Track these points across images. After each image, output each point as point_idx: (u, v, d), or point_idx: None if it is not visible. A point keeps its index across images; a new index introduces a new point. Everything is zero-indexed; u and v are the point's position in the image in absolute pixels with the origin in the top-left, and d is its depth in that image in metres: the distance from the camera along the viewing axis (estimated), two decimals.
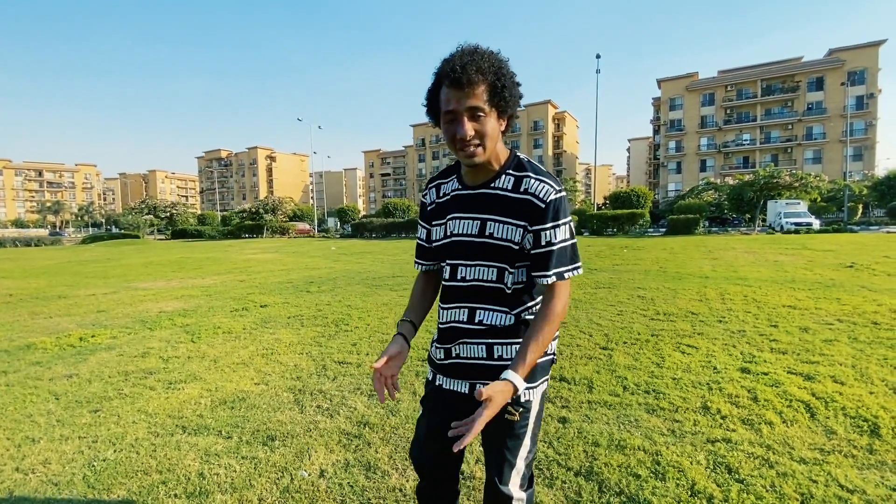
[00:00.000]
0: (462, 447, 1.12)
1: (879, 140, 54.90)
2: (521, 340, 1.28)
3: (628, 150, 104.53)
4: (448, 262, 1.36)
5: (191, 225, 54.47)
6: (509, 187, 1.27)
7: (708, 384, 3.31)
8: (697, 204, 35.68)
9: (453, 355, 1.37)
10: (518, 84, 1.25)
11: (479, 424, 1.10)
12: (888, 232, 24.82)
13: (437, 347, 1.43)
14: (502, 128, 1.26)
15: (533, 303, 1.33)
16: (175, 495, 2.15)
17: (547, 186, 1.24)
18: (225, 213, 67.10)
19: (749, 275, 8.88)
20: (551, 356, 1.37)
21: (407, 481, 2.21)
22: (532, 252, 1.26)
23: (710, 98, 62.50)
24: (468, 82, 1.14)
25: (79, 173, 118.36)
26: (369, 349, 4.43)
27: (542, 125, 76.93)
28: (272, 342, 4.82)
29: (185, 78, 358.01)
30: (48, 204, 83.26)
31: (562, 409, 2.97)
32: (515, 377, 1.17)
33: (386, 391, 1.35)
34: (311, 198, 78.69)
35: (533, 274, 1.28)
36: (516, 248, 1.26)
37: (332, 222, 57.62)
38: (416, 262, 1.54)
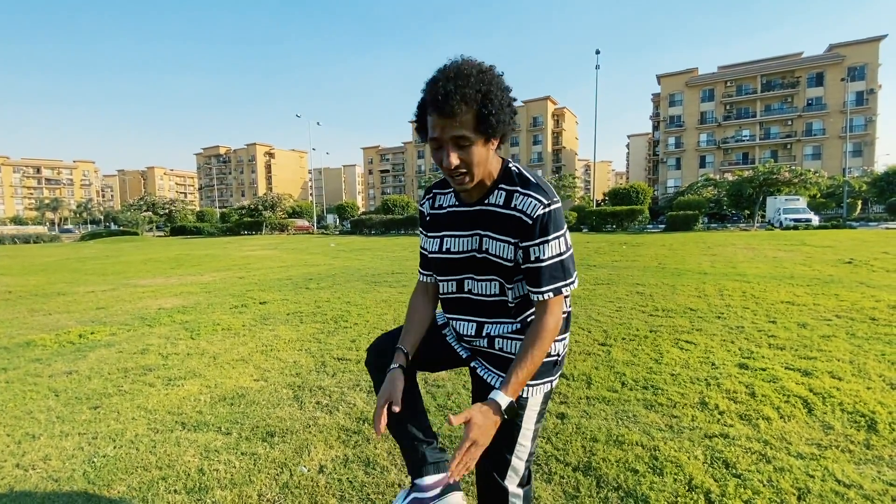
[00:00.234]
0: (459, 475, 1.14)
1: (879, 136, 54.85)
2: (523, 338, 1.31)
3: (628, 146, 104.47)
4: (453, 277, 1.37)
5: (190, 222, 54.46)
6: (501, 203, 1.25)
7: (706, 380, 3.32)
8: (696, 200, 35.69)
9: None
10: (511, 102, 1.18)
11: (461, 453, 1.13)
12: (887, 228, 24.86)
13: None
14: (494, 147, 1.21)
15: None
16: (175, 491, 2.16)
17: (534, 202, 1.20)
18: (224, 209, 67.04)
19: (748, 271, 8.89)
20: (554, 358, 1.35)
21: (405, 478, 2.22)
22: (523, 267, 1.25)
23: (709, 94, 62.45)
24: (451, 113, 1.08)
25: (77, 170, 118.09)
26: (368, 345, 4.44)
27: (542, 121, 76.85)
28: (271, 339, 4.82)
29: (184, 74, 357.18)
30: (46, 201, 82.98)
31: (560, 405, 2.98)
32: (501, 397, 1.19)
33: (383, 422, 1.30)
34: (310, 194, 78.61)
35: (527, 289, 1.28)
36: (510, 264, 1.26)
37: (331, 219, 57.56)
38: (420, 272, 1.53)
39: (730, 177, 38.74)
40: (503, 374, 1.33)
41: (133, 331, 5.38)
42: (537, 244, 1.20)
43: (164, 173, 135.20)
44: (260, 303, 6.92)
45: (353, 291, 7.73)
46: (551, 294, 1.23)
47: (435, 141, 1.15)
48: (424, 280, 1.50)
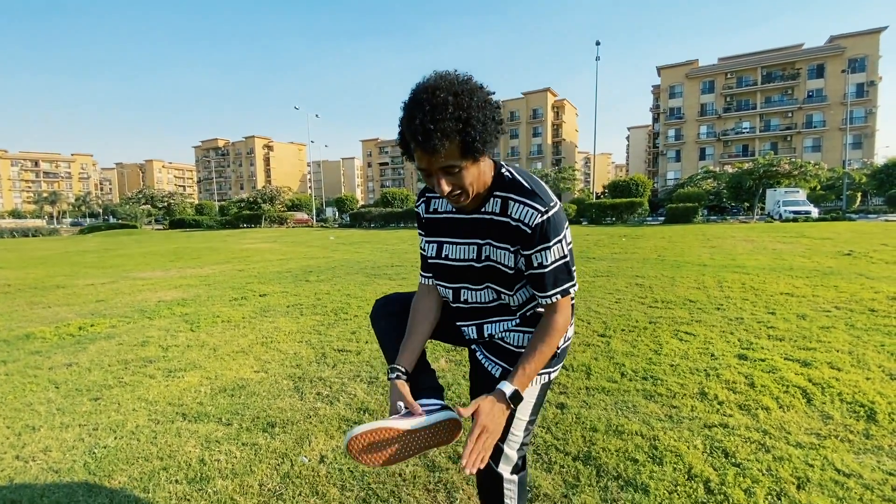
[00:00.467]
0: (474, 467, 1.13)
1: (879, 128, 54.69)
2: (522, 329, 1.33)
3: (627, 138, 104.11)
4: (450, 285, 1.36)
5: (189, 215, 54.33)
6: (497, 210, 1.23)
7: (705, 370, 3.33)
8: (696, 192, 35.66)
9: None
10: (495, 115, 1.12)
11: (472, 441, 1.14)
12: (886, 220, 24.85)
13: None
14: (484, 160, 1.18)
15: (536, 302, 1.34)
16: (176, 481, 2.17)
17: (531, 211, 1.17)
18: (223, 202, 66.83)
19: (747, 263, 8.89)
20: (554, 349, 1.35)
21: (406, 467, 2.23)
22: (527, 274, 1.25)
23: (709, 86, 62.12)
24: (434, 150, 1.05)
25: (75, 163, 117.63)
26: (369, 337, 4.44)
27: (542, 113, 76.47)
28: (271, 331, 4.83)
29: (182, 67, 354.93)
30: (45, 194, 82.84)
31: (560, 396, 2.98)
32: (507, 386, 1.20)
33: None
34: (309, 187, 78.45)
35: (534, 293, 1.27)
36: (511, 272, 1.25)
37: (330, 212, 57.44)
38: (421, 275, 1.48)
39: (730, 169, 38.70)
40: (501, 363, 1.35)
41: (133, 323, 5.38)
42: (539, 251, 1.19)
43: (163, 166, 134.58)
44: (260, 295, 6.92)
45: (353, 284, 7.73)
46: (559, 296, 1.23)
47: (423, 170, 1.14)
48: (426, 282, 1.46)
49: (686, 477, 2.07)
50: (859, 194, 42.10)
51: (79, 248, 21.19)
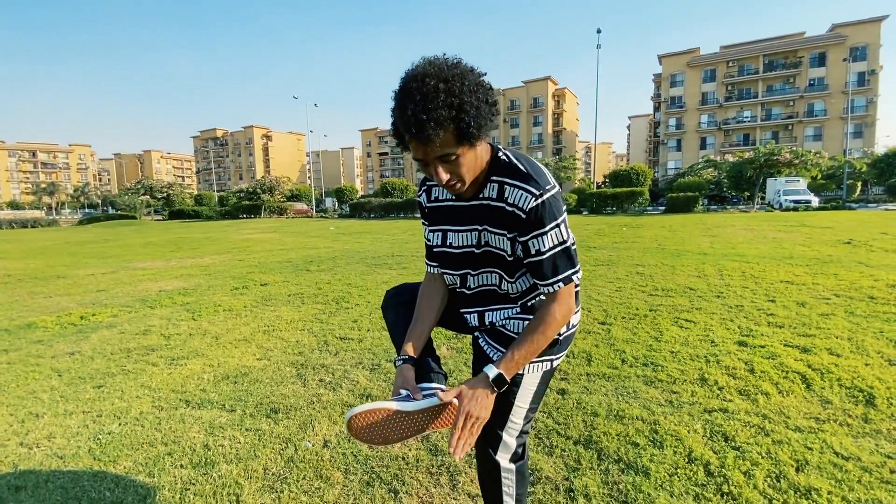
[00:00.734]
0: (462, 452, 1.16)
1: (880, 117, 54.63)
2: (522, 317, 1.32)
3: (628, 127, 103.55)
4: (455, 271, 1.36)
5: (188, 205, 54.25)
6: (494, 196, 1.21)
7: (706, 357, 3.35)
8: (697, 182, 35.59)
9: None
10: (488, 97, 1.09)
11: (458, 427, 1.15)
12: (886, 209, 24.83)
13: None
14: (481, 145, 1.16)
15: (538, 291, 1.32)
16: (181, 466, 2.19)
17: (525, 194, 1.15)
18: (222, 193, 66.66)
19: (747, 251, 8.90)
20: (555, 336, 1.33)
21: (409, 451, 2.24)
22: (526, 262, 1.23)
23: (711, 74, 61.72)
24: (428, 140, 1.04)
25: (73, 154, 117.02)
26: (370, 325, 4.46)
27: (542, 102, 76.02)
28: (273, 319, 4.84)
29: (179, 57, 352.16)
30: (43, 185, 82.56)
31: (561, 381, 3.00)
32: (491, 369, 1.20)
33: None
34: (309, 177, 78.23)
35: (535, 282, 1.25)
36: (510, 257, 1.24)
37: (329, 202, 57.30)
38: (427, 263, 1.47)
39: (730, 158, 38.47)
40: (503, 350, 1.32)
41: (134, 312, 5.40)
42: (536, 236, 1.17)
43: (162, 157, 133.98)
44: (261, 285, 6.93)
45: (354, 274, 7.74)
46: (561, 284, 1.20)
47: (419, 160, 1.12)
48: (432, 271, 1.45)
49: (686, 460, 2.09)
50: (859, 184, 42.04)
51: (78, 239, 21.17)
